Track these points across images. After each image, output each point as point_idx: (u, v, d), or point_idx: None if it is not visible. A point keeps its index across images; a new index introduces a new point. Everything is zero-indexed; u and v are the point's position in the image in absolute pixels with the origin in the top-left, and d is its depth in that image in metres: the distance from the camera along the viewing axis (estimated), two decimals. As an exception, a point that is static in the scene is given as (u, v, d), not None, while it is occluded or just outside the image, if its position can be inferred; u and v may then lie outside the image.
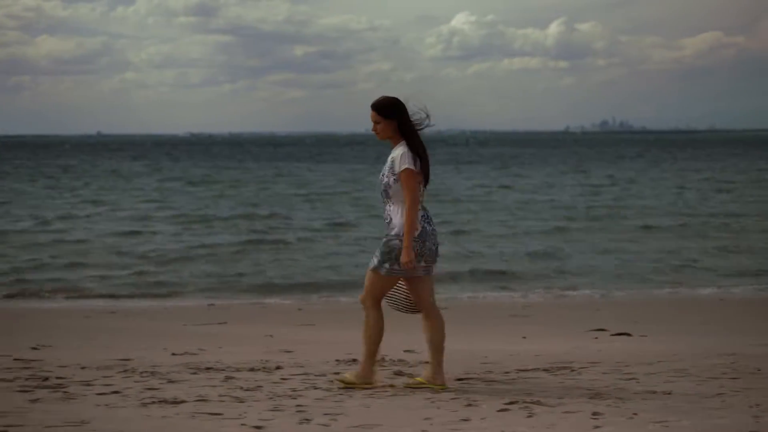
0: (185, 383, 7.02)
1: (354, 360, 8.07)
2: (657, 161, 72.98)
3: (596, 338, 10.25)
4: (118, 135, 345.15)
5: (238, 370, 7.58)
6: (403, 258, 6.60)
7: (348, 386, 6.83)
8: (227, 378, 7.21)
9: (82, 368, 7.70)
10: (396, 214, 6.70)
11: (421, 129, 6.85)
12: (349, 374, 6.94)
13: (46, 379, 7.18)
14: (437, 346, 6.81)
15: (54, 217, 28.57)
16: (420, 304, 6.87)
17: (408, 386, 6.86)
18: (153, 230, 24.95)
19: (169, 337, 10.25)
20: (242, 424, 5.71)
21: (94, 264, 18.90)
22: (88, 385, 6.97)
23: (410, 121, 6.82)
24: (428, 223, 6.76)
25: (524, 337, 10.32)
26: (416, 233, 6.65)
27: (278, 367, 7.71)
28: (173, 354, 8.62)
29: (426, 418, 5.91)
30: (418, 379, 6.91)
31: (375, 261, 6.76)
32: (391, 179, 6.74)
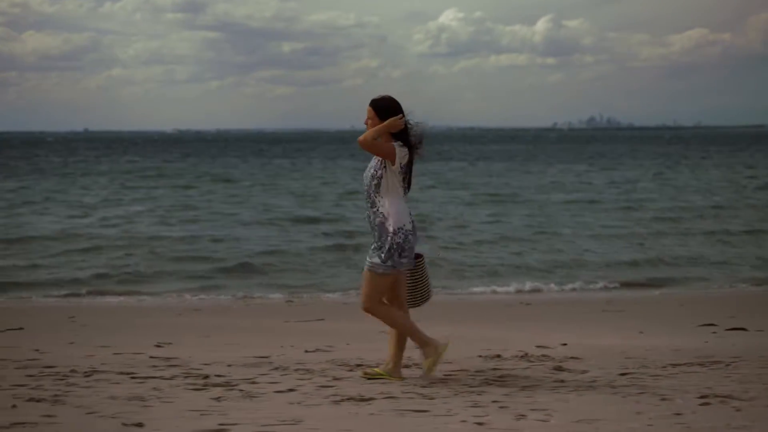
0: (350, 380, 6.99)
1: (498, 356, 8.07)
2: (689, 159, 71.77)
3: (714, 333, 10.24)
4: (105, 131, 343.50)
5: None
6: (377, 129, 6.74)
7: (373, 377, 6.97)
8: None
9: (228, 366, 7.66)
10: (391, 207, 6.74)
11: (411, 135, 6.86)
12: (379, 368, 7.06)
13: (207, 377, 7.13)
14: (404, 338, 6.98)
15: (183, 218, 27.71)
16: (398, 298, 6.96)
17: (367, 375, 7.00)
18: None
19: (281, 333, 10.19)
20: (462, 421, 5.68)
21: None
22: (254, 383, 6.93)
23: (404, 127, 6.85)
24: (412, 218, 6.85)
25: (641, 332, 10.29)
26: (411, 227, 6.76)
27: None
28: (306, 351, 8.57)
29: (638, 413, 5.90)
30: (377, 370, 7.01)
31: (376, 261, 6.77)
32: (381, 171, 6.79)
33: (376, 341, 9.35)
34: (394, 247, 6.72)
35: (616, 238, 22.32)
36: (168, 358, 8.03)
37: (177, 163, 66.02)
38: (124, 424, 5.57)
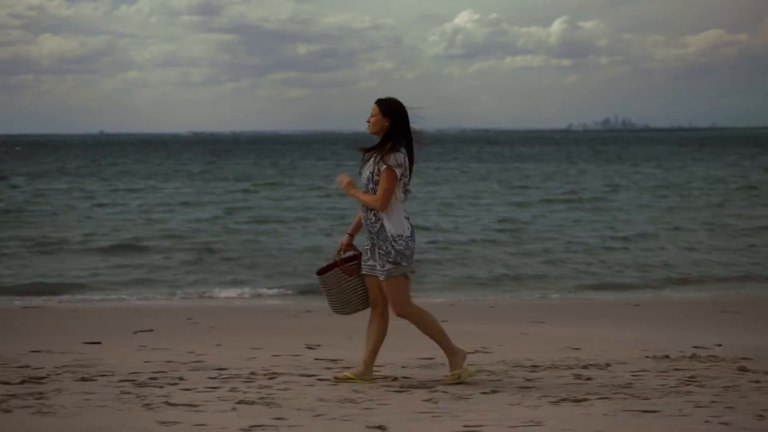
0: (551, 381, 7.03)
1: (666, 356, 8.08)
2: (729, 157, 71.19)
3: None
4: (120, 134, 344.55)
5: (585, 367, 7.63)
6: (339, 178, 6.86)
7: (342, 381, 6.92)
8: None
9: (402, 366, 7.68)
10: (390, 214, 6.68)
11: (413, 137, 6.80)
12: (350, 371, 7.01)
13: (395, 379, 7.18)
14: (380, 345, 6.94)
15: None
16: (386, 303, 6.86)
17: (337, 379, 6.96)
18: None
19: (472, 336, 10.08)
20: (706, 421, 5.70)
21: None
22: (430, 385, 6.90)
23: (406, 128, 6.78)
24: (410, 223, 6.80)
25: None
26: (409, 233, 6.72)
27: (608, 364, 7.71)
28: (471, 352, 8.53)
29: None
30: (347, 374, 6.98)
31: (389, 267, 6.70)
32: (378, 177, 6.69)
33: (521, 342, 9.40)
34: (399, 252, 6.67)
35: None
36: (332, 360, 8.07)
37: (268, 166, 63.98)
38: (368, 427, 5.66)
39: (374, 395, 6.50)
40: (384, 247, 6.69)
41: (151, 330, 10.25)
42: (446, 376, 6.97)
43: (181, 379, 7.00)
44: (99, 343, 9.10)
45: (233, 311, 13.33)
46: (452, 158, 73.43)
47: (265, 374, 7.21)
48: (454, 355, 6.90)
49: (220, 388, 6.65)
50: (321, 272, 6.94)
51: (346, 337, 9.43)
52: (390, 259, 6.67)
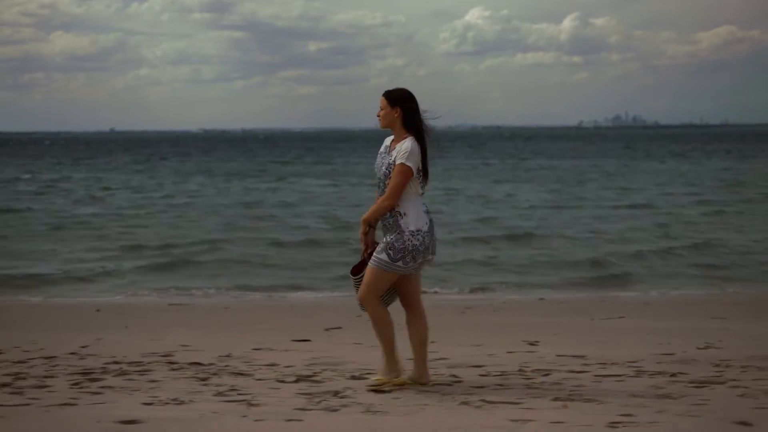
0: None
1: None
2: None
3: None
4: (131, 131, 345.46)
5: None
6: (361, 231, 6.60)
7: (377, 388, 6.64)
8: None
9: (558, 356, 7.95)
10: (408, 208, 6.51)
11: (425, 126, 6.65)
12: (377, 377, 6.77)
13: (523, 370, 7.32)
14: (425, 342, 6.72)
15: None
16: (413, 299, 6.71)
17: (376, 388, 6.63)
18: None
19: (589, 331, 9.99)
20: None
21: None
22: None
23: (417, 117, 6.64)
24: (429, 217, 6.61)
25: None
26: (427, 228, 6.52)
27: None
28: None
29: None
30: (403, 379, 6.70)
31: (384, 258, 6.49)
32: (391, 169, 6.55)
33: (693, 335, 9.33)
34: (409, 248, 6.48)
35: None
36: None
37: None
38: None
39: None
40: (394, 238, 6.49)
41: None
42: (372, 378, 6.78)
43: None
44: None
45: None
46: (508, 155, 71.39)
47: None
48: (391, 363, 6.67)
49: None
50: (355, 272, 6.71)
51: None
52: (391, 252, 6.47)
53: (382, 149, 6.72)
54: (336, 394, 6.50)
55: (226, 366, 7.56)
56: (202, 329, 10.02)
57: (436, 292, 13.97)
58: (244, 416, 5.86)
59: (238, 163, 63.83)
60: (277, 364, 7.61)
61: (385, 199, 6.49)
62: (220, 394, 6.53)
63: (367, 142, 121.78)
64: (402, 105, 6.61)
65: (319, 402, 6.26)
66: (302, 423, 5.73)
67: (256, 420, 5.78)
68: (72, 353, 8.18)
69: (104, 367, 7.49)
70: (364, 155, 75.36)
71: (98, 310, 11.91)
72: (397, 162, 6.49)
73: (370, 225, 6.63)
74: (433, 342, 7.18)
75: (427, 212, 6.61)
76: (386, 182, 6.55)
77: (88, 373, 7.27)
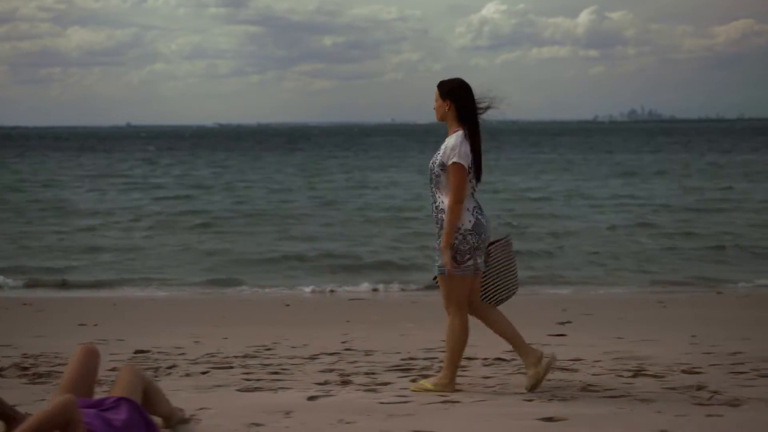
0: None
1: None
2: None
3: None
4: (146, 126, 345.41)
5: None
6: (443, 260, 6.20)
7: (421, 392, 6.42)
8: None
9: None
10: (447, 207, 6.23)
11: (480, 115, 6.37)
12: (426, 381, 6.54)
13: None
14: (517, 334, 6.47)
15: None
16: (473, 301, 6.43)
17: (418, 389, 6.49)
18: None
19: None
20: None
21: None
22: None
23: (471, 108, 6.33)
24: (481, 214, 6.31)
25: None
26: (470, 226, 6.21)
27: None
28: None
29: None
30: (426, 383, 6.52)
31: (439, 263, 6.28)
32: (439, 169, 6.30)
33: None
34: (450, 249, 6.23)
35: None
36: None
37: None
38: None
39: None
40: (439, 239, 6.28)
41: None
42: (528, 373, 6.47)
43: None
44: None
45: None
46: (577, 150, 69.70)
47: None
48: (451, 372, 6.44)
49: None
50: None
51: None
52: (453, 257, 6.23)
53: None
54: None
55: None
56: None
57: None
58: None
59: (299, 158, 62.66)
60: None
61: (452, 205, 6.18)
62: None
63: (404, 136, 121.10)
64: (453, 97, 6.32)
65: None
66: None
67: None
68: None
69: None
70: (406, 149, 74.62)
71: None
72: (449, 162, 6.22)
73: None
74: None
75: (475, 210, 6.28)
76: (432, 178, 6.32)
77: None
